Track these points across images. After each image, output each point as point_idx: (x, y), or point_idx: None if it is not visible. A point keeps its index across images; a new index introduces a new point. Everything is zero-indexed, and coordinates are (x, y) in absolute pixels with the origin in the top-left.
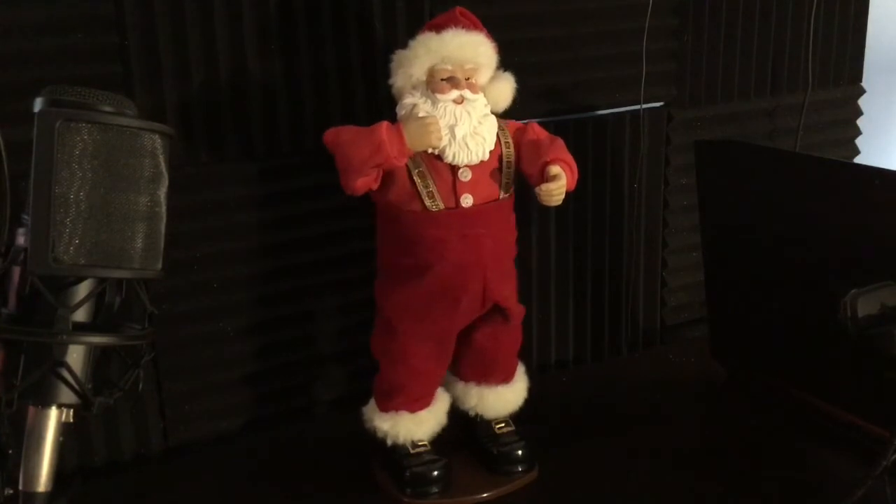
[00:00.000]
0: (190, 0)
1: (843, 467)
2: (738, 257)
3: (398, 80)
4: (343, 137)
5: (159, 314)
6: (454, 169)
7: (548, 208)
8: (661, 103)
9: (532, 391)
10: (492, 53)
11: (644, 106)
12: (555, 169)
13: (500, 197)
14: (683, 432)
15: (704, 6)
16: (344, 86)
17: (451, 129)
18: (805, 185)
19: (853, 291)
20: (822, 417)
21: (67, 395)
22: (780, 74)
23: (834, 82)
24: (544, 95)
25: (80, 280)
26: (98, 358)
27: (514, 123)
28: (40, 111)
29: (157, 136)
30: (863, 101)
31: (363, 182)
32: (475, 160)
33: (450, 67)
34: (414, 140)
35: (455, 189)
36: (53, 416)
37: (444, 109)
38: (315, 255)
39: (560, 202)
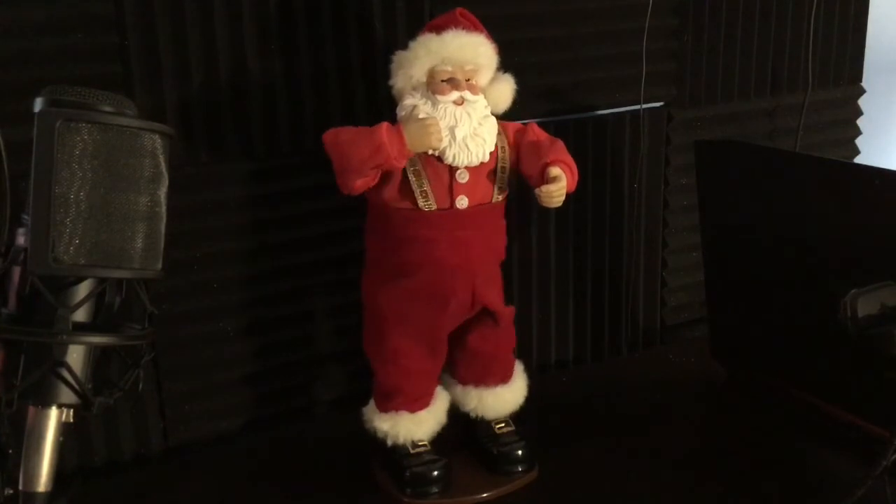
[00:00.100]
0: (190, 0)
1: (843, 467)
2: (738, 257)
3: (398, 82)
4: (342, 137)
5: (159, 314)
6: (452, 170)
7: (548, 208)
8: (661, 103)
9: (532, 391)
10: (492, 54)
11: (644, 106)
12: (555, 170)
13: (493, 200)
14: (683, 432)
15: (704, 6)
16: (344, 86)
17: (452, 130)
18: (805, 185)
19: (853, 291)
20: (822, 417)
21: (67, 395)
22: (780, 74)
23: (834, 82)
24: (544, 95)
25: (80, 280)
26: (98, 358)
27: (514, 125)
28: (40, 111)
29: (157, 136)
30: (863, 101)
31: (363, 182)
32: (475, 161)
33: (450, 69)
34: (414, 141)
35: (451, 190)
36: (53, 416)
37: (445, 111)
38: (315, 255)
39: (560, 204)
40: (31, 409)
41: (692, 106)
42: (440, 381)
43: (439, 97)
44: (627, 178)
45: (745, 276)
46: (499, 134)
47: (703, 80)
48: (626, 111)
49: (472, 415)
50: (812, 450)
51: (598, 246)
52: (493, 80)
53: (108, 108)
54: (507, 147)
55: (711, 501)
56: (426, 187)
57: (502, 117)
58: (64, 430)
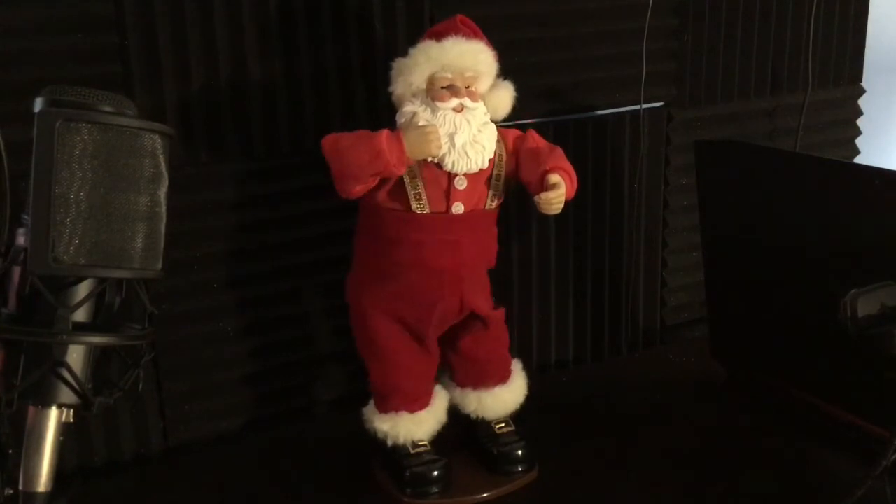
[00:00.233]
0: (190, 0)
1: (843, 467)
2: (738, 257)
3: (398, 88)
4: (342, 143)
5: (159, 314)
6: (451, 176)
7: None
8: (661, 103)
9: (532, 391)
10: (492, 62)
11: (644, 106)
12: (554, 178)
13: (487, 207)
14: (683, 432)
15: (704, 6)
16: (344, 86)
17: (451, 137)
18: (805, 185)
19: (853, 291)
20: (822, 417)
21: (67, 395)
22: (780, 74)
23: (834, 82)
24: (544, 95)
25: (80, 280)
26: (98, 358)
27: (514, 132)
28: (40, 111)
29: (157, 136)
30: (863, 101)
31: (362, 188)
32: (474, 168)
33: (450, 76)
34: (414, 148)
35: (449, 196)
36: (53, 416)
37: (444, 118)
38: (315, 255)
39: (559, 211)
40: (31, 409)
41: (692, 106)
42: (439, 383)
43: (439, 104)
44: (627, 178)
45: (745, 276)
46: (498, 141)
47: (703, 80)
48: (626, 111)
49: (473, 416)
50: (812, 450)
51: (598, 246)
52: (492, 86)
53: (108, 108)
54: (505, 154)
55: (711, 501)
56: (420, 189)
57: (502, 119)
58: (64, 430)
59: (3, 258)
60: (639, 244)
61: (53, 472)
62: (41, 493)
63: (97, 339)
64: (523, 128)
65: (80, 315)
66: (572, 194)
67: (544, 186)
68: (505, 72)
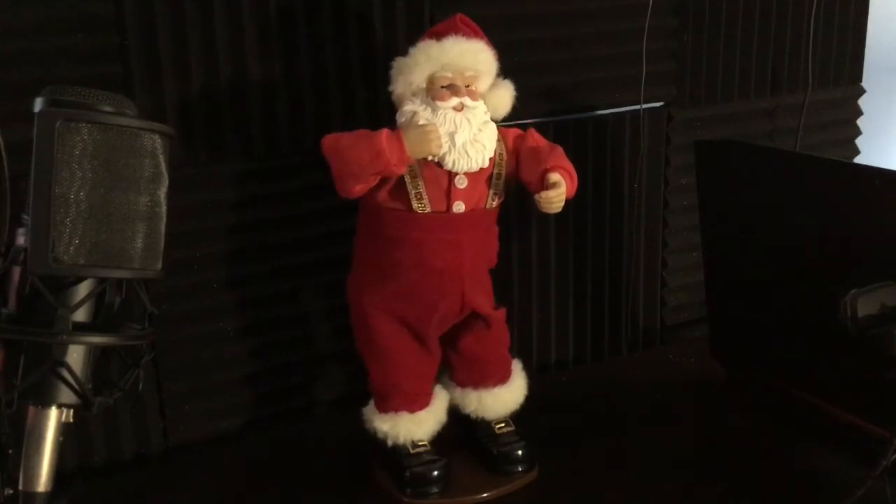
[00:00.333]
0: (190, 0)
1: (843, 467)
2: (738, 257)
3: (398, 88)
4: (342, 143)
5: (159, 314)
6: (451, 175)
7: None
8: (661, 103)
9: (532, 391)
10: (492, 61)
11: (644, 106)
12: (554, 176)
13: (487, 206)
14: (683, 432)
15: (704, 6)
16: (344, 86)
17: (451, 136)
18: (805, 185)
19: (853, 291)
20: (822, 417)
21: (67, 395)
22: (780, 74)
23: (834, 82)
24: (544, 95)
25: (80, 280)
26: (98, 358)
27: (514, 131)
28: (40, 111)
29: (157, 136)
30: (863, 101)
31: (362, 188)
32: (475, 167)
33: (450, 75)
34: (414, 148)
35: (449, 195)
36: (53, 416)
37: (444, 117)
38: (315, 255)
39: (559, 210)
40: (31, 409)
41: (692, 106)
42: (439, 383)
43: (439, 103)
44: (627, 178)
45: (745, 276)
46: (498, 140)
47: (703, 80)
48: (626, 111)
49: (473, 416)
50: (812, 450)
51: (598, 246)
52: (492, 86)
53: (108, 108)
54: (505, 153)
55: (711, 501)
56: (421, 189)
57: (502, 119)
58: (64, 430)
59: (3, 258)
60: (639, 244)
61: (53, 472)
62: (41, 493)
63: (97, 339)
64: (523, 128)
65: (80, 315)
66: (573, 193)
67: (544, 185)
68: (505, 72)
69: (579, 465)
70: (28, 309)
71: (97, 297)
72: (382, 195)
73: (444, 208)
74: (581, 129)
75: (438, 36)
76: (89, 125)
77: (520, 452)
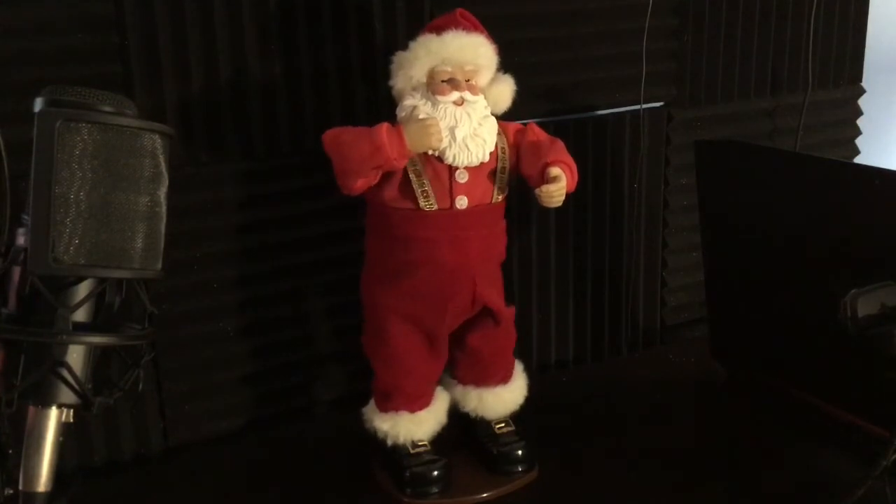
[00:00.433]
0: (190, 0)
1: (843, 467)
2: (738, 257)
3: (398, 82)
4: (343, 138)
5: (159, 314)
6: (452, 170)
7: (548, 208)
8: (661, 103)
9: (532, 391)
10: (492, 55)
11: (644, 106)
12: (555, 170)
13: (493, 200)
14: (683, 432)
15: (704, 6)
16: (344, 86)
17: (452, 130)
18: (805, 185)
19: (853, 291)
20: (822, 417)
21: (67, 395)
22: (780, 74)
23: (834, 82)
24: (544, 95)
25: (80, 280)
26: (98, 358)
27: (514, 125)
28: (40, 111)
29: (157, 136)
30: (863, 101)
31: (363, 183)
32: (475, 162)
33: (450, 69)
34: (414, 142)
35: (451, 190)
36: (53, 416)
37: (445, 111)
38: (315, 255)
39: (560, 204)
40: (31, 409)
41: (692, 106)
42: (440, 381)
43: (439, 97)
44: (627, 178)
45: (745, 276)
46: (499, 134)
47: (703, 80)
48: (626, 111)
49: (472, 415)
50: (812, 450)
51: (598, 246)
52: (492, 80)
53: (108, 108)
54: (507, 147)
55: (711, 501)
56: (427, 187)
57: (502, 117)
58: (64, 430)
59: (3, 258)
60: (639, 244)
61: (53, 472)
62: (41, 493)
63: (97, 339)
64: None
65: (80, 315)
66: (573, 187)
67: (545, 179)
68: (505, 71)
69: (579, 465)
70: (28, 309)
71: (97, 297)
72: (388, 194)
73: (447, 205)
74: (581, 129)
75: (438, 30)
76: (89, 125)
77: (520, 452)
